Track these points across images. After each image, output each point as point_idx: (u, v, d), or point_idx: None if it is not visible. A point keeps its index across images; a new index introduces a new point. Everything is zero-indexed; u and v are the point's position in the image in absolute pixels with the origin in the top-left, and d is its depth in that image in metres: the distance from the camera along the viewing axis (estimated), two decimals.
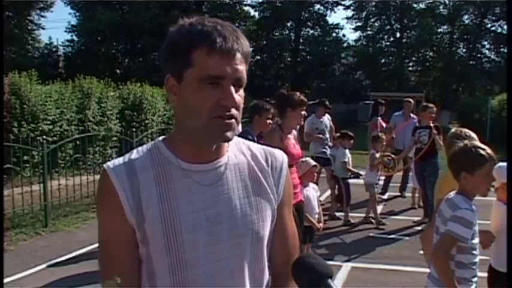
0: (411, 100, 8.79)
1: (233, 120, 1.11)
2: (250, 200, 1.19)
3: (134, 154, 1.19)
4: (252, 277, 1.19)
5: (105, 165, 1.16)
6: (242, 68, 1.11)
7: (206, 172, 1.16)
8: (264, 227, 1.21)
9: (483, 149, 2.36)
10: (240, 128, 4.58)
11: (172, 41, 1.12)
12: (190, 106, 1.11)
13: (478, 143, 2.47)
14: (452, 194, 2.45)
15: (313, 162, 4.88)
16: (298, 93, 4.14)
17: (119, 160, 1.18)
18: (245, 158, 1.24)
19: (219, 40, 1.07)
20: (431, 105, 7.13)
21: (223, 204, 1.16)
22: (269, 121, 4.61)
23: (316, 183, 5.51)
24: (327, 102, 7.92)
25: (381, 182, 7.60)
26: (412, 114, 8.56)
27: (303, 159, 4.95)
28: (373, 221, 6.92)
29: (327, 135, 7.76)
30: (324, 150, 7.65)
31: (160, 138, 1.23)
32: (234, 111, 1.10)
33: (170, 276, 1.13)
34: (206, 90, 1.08)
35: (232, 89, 1.09)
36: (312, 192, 4.82)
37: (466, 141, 2.49)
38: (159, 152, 1.18)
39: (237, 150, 1.24)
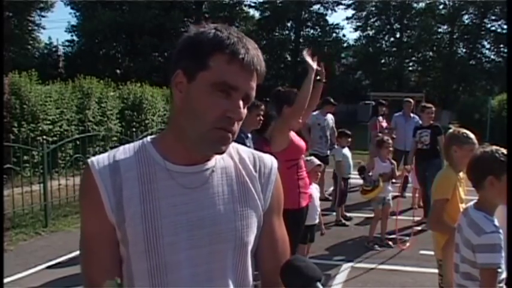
0: (411, 100, 8.80)
1: (231, 135, 1.09)
2: (235, 205, 1.17)
3: (120, 152, 1.16)
4: (234, 284, 1.17)
5: (88, 161, 1.14)
6: (254, 86, 1.10)
7: (191, 174, 1.14)
8: (248, 233, 1.18)
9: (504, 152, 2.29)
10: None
11: (194, 39, 1.10)
12: (196, 109, 1.08)
13: (497, 147, 2.38)
14: (470, 206, 2.35)
15: (318, 162, 4.83)
16: (295, 90, 4.12)
17: (104, 156, 1.15)
18: (233, 162, 1.21)
19: (242, 51, 1.06)
20: (429, 105, 7.14)
21: (206, 209, 1.13)
22: (259, 117, 4.56)
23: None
24: (332, 100, 7.96)
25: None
26: (412, 114, 8.58)
27: (308, 158, 4.92)
28: (371, 244, 5.91)
29: (328, 134, 7.82)
30: (319, 148, 7.68)
31: (149, 137, 1.20)
32: (236, 125, 1.09)
33: (149, 279, 1.10)
34: (216, 97, 1.06)
35: (241, 103, 1.08)
36: (315, 192, 4.79)
37: (486, 147, 2.38)
38: (146, 151, 1.16)
39: (225, 154, 1.20)
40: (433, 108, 7.05)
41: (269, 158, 1.29)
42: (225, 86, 1.06)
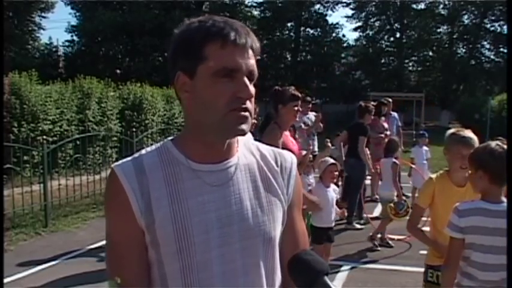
0: (390, 100, 8.85)
1: (247, 113, 1.10)
2: (261, 201, 1.18)
3: (143, 154, 1.17)
4: (266, 277, 1.19)
5: (113, 166, 1.14)
6: (253, 62, 1.12)
7: (216, 172, 1.15)
8: (275, 228, 1.20)
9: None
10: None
11: (182, 37, 1.12)
12: (205, 101, 1.09)
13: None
14: (484, 204, 2.25)
15: (332, 160, 4.72)
16: (290, 89, 4.11)
17: (127, 160, 1.16)
18: (254, 158, 1.23)
19: (232, 34, 1.08)
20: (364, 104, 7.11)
21: (234, 205, 1.14)
22: (253, 120, 4.56)
23: (337, 184, 5.34)
24: (308, 98, 8.05)
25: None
26: (392, 112, 8.88)
27: (323, 158, 4.90)
28: (375, 242, 5.91)
29: (314, 130, 7.86)
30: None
31: (169, 138, 1.21)
32: (248, 103, 1.10)
33: (182, 279, 1.11)
34: (221, 83, 1.08)
35: (247, 80, 1.10)
36: (332, 193, 4.63)
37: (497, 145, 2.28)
38: (169, 152, 1.16)
39: (246, 150, 1.23)
40: (367, 104, 7.03)
41: (288, 153, 1.31)
42: (226, 71, 1.07)
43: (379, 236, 6.03)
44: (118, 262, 1.14)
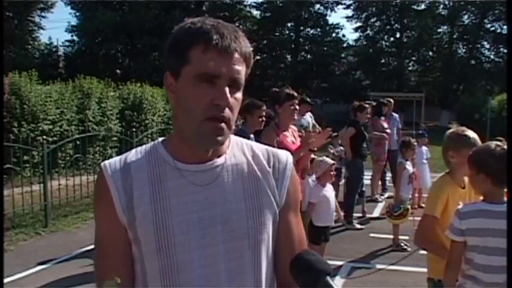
0: (391, 100, 8.93)
1: (224, 125, 1.08)
2: (247, 202, 1.15)
3: (132, 153, 1.18)
4: (253, 282, 1.15)
5: (101, 164, 1.16)
6: (239, 68, 1.08)
7: (202, 172, 1.13)
8: (262, 231, 1.16)
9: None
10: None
11: (173, 38, 1.12)
12: (185, 105, 1.09)
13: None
14: (486, 205, 2.22)
15: (331, 161, 4.74)
16: (286, 89, 4.12)
17: (116, 159, 1.17)
18: (245, 159, 1.19)
19: (215, 37, 1.05)
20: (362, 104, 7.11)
21: (218, 206, 1.12)
22: (261, 119, 4.55)
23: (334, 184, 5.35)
24: (308, 99, 8.02)
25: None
26: (393, 113, 8.97)
27: (321, 158, 4.89)
28: (401, 244, 5.83)
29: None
30: None
31: (160, 139, 1.21)
32: (227, 112, 1.07)
33: (161, 279, 1.10)
34: (201, 88, 1.06)
35: (227, 89, 1.07)
36: (330, 192, 4.68)
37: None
38: (157, 152, 1.17)
39: (237, 150, 1.20)
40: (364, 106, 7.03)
41: (284, 153, 1.26)
42: (207, 76, 1.06)
43: (401, 237, 5.89)
44: (103, 258, 1.15)
